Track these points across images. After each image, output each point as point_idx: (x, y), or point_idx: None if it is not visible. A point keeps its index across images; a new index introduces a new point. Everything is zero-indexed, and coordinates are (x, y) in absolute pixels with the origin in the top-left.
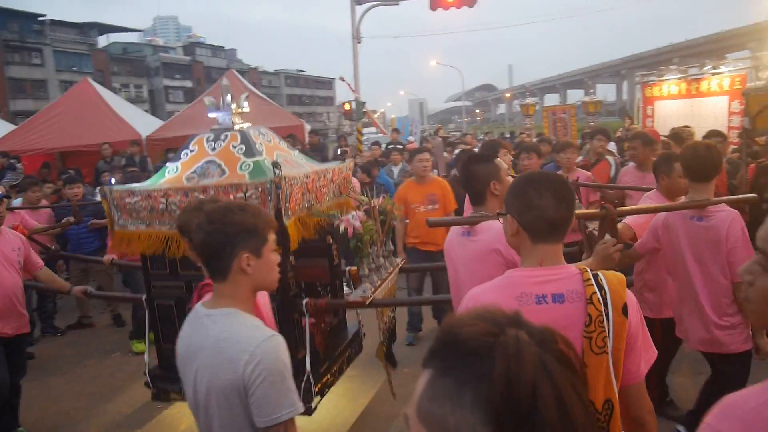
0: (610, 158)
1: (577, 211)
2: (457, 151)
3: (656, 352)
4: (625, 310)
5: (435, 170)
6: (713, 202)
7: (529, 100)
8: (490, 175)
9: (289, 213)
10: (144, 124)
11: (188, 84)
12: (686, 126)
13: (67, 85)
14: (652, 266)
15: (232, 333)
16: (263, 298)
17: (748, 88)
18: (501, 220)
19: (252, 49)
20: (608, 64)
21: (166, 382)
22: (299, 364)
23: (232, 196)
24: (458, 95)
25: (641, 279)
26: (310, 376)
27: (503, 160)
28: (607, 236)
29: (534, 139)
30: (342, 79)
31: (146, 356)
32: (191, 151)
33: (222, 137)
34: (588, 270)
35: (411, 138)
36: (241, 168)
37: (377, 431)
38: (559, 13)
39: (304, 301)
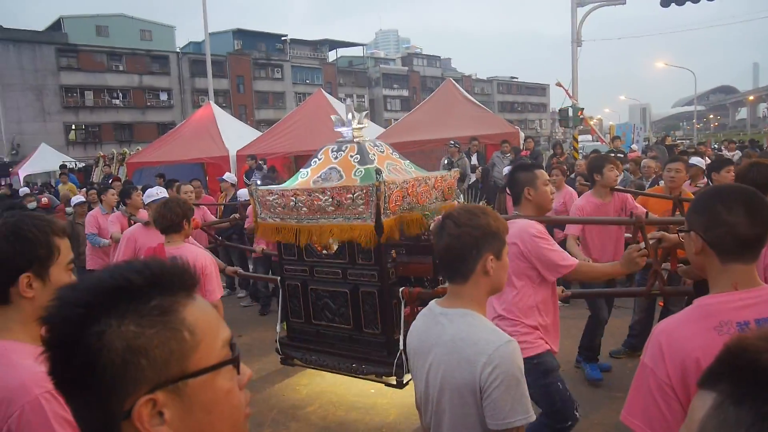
0: None
1: (607, 218)
2: (696, 161)
3: None
4: None
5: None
6: None
7: None
8: (527, 182)
9: (389, 212)
10: (367, 131)
11: (405, 93)
12: None
13: (301, 96)
14: None
15: (469, 334)
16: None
17: None
18: (682, 236)
19: (466, 57)
20: None
21: (291, 349)
22: (395, 343)
23: (343, 197)
24: (689, 99)
25: None
26: (403, 354)
27: (609, 176)
28: (642, 243)
29: None
30: (559, 85)
31: (278, 327)
32: (319, 159)
33: (343, 148)
34: None
35: (634, 146)
36: (354, 174)
37: None
38: None
39: (400, 289)
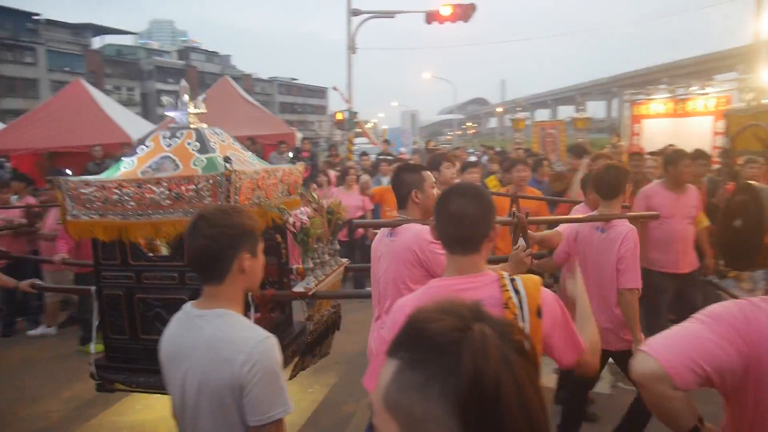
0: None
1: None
2: None
3: (583, 345)
4: (539, 312)
5: None
6: (617, 216)
7: (520, 115)
8: (414, 184)
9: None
10: (135, 127)
11: None
12: (671, 145)
13: (58, 85)
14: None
15: (227, 333)
16: None
17: (729, 109)
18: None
19: (247, 56)
20: (599, 81)
21: (111, 372)
22: None
23: (183, 188)
24: (451, 108)
25: (563, 286)
26: None
27: (446, 174)
28: (521, 242)
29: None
30: (335, 89)
31: (92, 347)
32: (147, 147)
33: (178, 134)
34: (505, 276)
35: (402, 149)
36: (194, 163)
37: (333, 422)
38: (550, 31)
39: (249, 294)
